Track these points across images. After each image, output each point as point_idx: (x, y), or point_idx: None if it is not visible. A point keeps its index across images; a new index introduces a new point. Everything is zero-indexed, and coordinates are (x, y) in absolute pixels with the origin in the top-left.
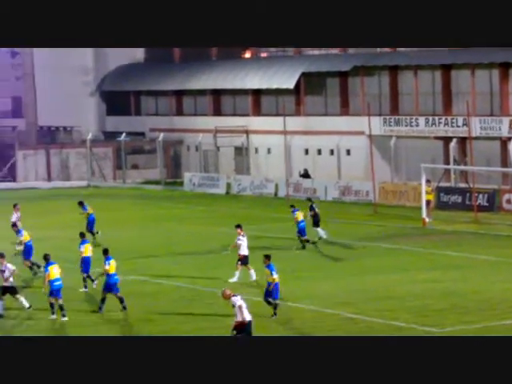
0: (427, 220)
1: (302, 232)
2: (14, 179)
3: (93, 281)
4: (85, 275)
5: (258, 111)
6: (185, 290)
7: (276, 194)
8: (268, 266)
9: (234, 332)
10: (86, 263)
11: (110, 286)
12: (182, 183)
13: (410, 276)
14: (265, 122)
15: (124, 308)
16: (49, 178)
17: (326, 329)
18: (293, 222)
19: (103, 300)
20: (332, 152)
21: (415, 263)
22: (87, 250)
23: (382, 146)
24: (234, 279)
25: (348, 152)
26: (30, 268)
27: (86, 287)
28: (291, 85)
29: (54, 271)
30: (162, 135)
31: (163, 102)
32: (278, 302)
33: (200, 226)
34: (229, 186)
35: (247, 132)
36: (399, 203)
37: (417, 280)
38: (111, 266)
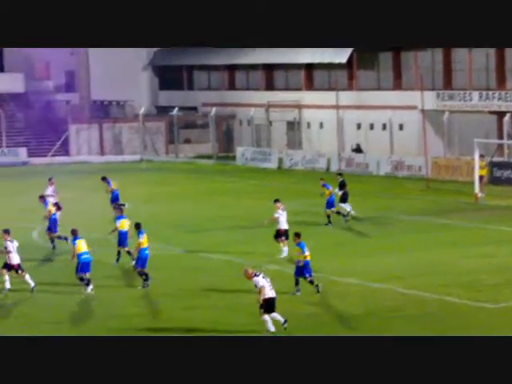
0: (480, 195)
1: (331, 205)
2: (67, 153)
3: (117, 260)
4: (126, 249)
5: (310, 86)
6: (235, 264)
7: (328, 169)
8: (298, 244)
9: (262, 310)
10: (122, 237)
11: (139, 261)
12: (234, 157)
13: (463, 251)
14: (317, 97)
15: (144, 286)
16: (102, 153)
17: (373, 304)
18: (325, 195)
19: (145, 276)
20: (384, 127)
21: (468, 238)
22: (124, 224)
23: (435, 121)
24: (285, 254)
25: (401, 127)
26: (52, 241)
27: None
28: (344, 59)
29: (82, 245)
30: (214, 110)
31: (215, 77)
32: (313, 278)
33: (252, 200)
34: (281, 160)
35: (299, 106)
36: (452, 178)
37: (469, 255)
38: (145, 240)
